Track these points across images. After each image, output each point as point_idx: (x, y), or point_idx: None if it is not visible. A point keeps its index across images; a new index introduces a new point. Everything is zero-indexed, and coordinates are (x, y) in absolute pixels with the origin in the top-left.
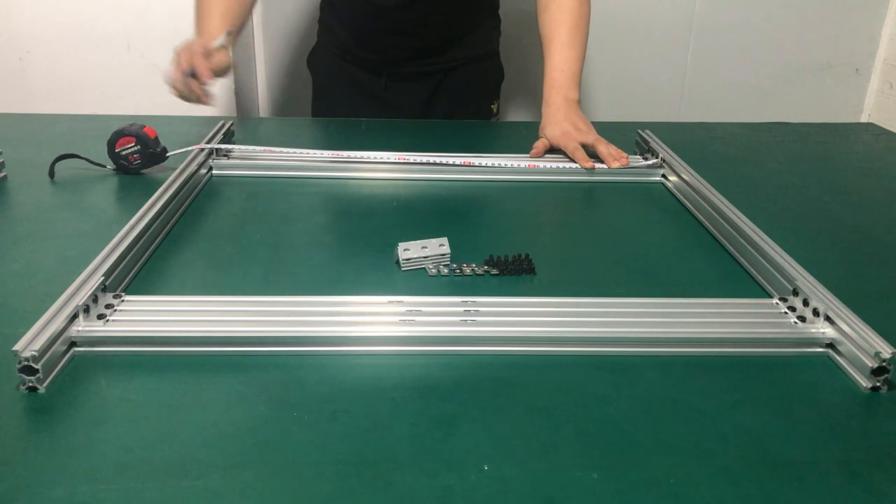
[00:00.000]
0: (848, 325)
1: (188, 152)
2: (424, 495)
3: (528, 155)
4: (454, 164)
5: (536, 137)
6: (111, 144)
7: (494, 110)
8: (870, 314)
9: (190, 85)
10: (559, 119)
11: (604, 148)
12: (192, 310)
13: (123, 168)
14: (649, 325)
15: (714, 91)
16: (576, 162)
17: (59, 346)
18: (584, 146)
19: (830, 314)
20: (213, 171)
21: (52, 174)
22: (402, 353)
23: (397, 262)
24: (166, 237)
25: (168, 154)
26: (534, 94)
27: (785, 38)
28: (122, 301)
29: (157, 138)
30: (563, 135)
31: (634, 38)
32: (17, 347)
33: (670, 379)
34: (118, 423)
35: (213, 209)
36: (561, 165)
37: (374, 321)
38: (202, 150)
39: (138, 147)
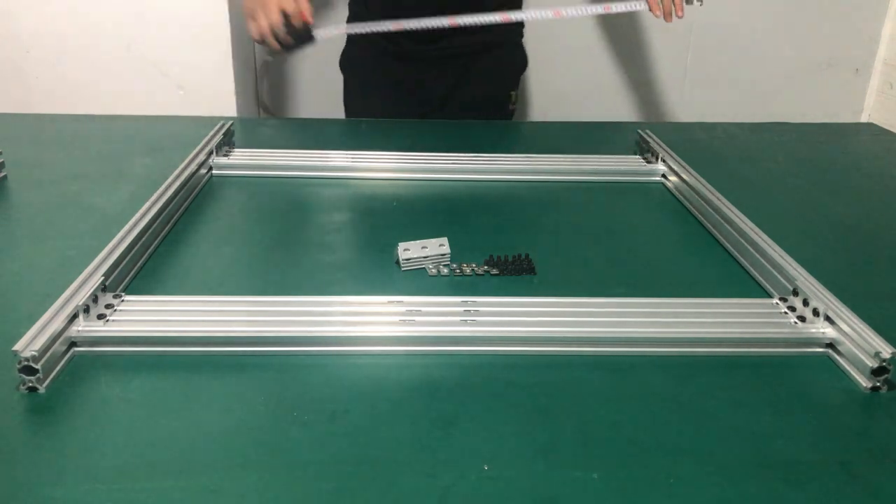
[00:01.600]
0: (848, 325)
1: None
2: (424, 495)
3: (528, 155)
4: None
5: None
6: None
7: (513, 98)
8: (870, 314)
9: (288, 29)
10: None
11: None
12: (192, 310)
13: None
14: (649, 325)
15: (714, 91)
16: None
17: (59, 346)
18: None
19: (830, 314)
20: (213, 171)
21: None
22: (402, 353)
23: (397, 262)
24: (166, 237)
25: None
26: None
27: (785, 37)
28: (122, 301)
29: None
30: None
31: (634, 38)
32: (17, 347)
33: (670, 379)
34: (118, 423)
35: (213, 209)
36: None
37: (374, 321)
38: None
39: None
